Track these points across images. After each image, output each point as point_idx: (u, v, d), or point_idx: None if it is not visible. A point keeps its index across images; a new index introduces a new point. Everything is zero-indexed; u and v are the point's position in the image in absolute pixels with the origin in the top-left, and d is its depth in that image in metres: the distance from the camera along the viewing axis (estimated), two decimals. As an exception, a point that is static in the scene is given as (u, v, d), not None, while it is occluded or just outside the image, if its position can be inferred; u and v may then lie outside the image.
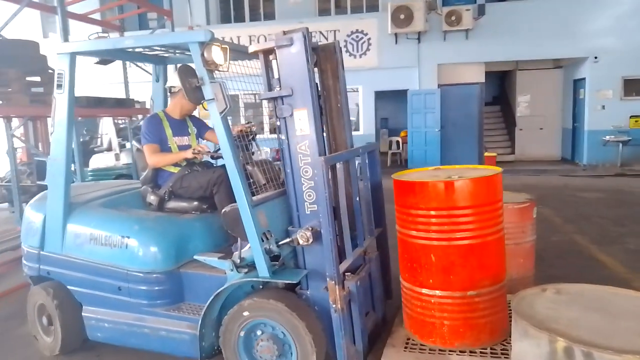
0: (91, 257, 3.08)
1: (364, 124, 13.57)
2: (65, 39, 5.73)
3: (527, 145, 14.07)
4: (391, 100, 15.74)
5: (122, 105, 7.02)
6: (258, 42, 12.91)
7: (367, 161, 3.36)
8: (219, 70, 2.65)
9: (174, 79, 3.26)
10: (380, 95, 13.63)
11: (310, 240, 2.55)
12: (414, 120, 12.72)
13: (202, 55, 2.55)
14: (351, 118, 14.69)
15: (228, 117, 2.69)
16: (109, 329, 3.09)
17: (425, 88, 12.63)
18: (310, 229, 2.58)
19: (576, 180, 10.44)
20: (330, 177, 2.58)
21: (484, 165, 12.02)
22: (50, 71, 5.60)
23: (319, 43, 3.00)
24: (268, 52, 2.70)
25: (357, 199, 2.99)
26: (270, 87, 2.75)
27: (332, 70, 2.98)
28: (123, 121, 9.66)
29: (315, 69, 2.89)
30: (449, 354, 2.52)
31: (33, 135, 9.06)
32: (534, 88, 13.93)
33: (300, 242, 2.57)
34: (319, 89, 2.96)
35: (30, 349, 3.39)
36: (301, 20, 13.03)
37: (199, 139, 3.57)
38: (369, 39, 12.82)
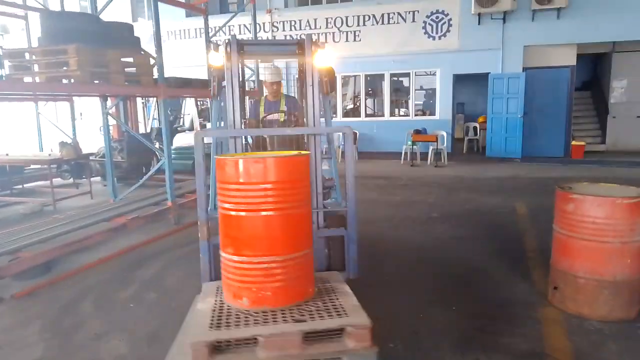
0: None
1: (440, 109, 13.09)
2: (156, 21, 5.93)
3: (621, 134, 12.95)
4: (468, 84, 15.08)
5: (206, 87, 7.22)
6: (335, 24, 12.82)
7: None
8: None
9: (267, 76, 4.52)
10: (457, 79, 13.07)
11: None
12: (494, 105, 12.12)
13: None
14: (421, 102, 14.29)
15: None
16: None
17: (508, 71, 11.93)
18: None
19: (680, 174, 9.44)
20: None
21: (574, 152, 11.17)
22: (142, 52, 5.87)
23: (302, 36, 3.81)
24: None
25: None
26: None
27: (306, 60, 3.66)
28: (203, 102, 10.01)
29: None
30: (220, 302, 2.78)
31: (123, 114, 9.62)
32: (633, 72, 12.71)
33: None
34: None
35: (127, 313, 3.61)
36: (380, 2, 12.75)
37: (291, 113, 4.42)
38: (449, 19, 12.28)
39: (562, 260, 3.48)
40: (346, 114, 14.43)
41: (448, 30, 12.33)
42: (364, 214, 6.42)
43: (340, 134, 5.36)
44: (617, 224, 3.20)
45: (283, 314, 2.57)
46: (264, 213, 2.62)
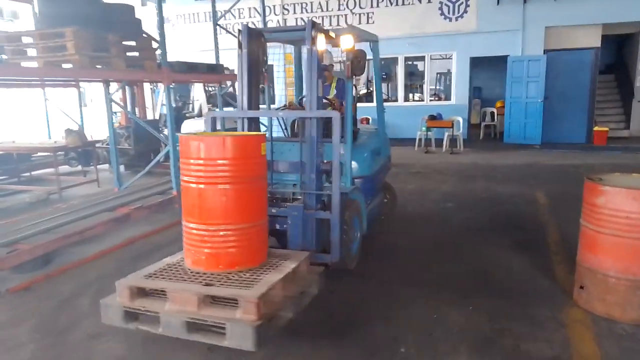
0: None
1: (457, 93, 12.68)
2: (158, 3, 5.69)
3: (647, 119, 12.41)
4: (485, 68, 14.59)
5: (212, 72, 6.99)
6: (348, 6, 12.43)
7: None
8: None
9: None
10: (474, 62, 12.61)
11: None
12: (513, 89, 11.68)
13: None
14: (437, 87, 14.12)
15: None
16: None
17: (528, 54, 11.46)
18: None
19: None
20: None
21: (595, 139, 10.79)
22: (144, 35, 5.64)
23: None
24: None
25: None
26: None
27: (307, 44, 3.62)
28: (213, 88, 9.78)
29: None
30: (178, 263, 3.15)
31: (131, 100, 9.45)
32: (661, 54, 12.12)
33: None
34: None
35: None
36: (394, -19, 12.30)
37: (340, 99, 4.68)
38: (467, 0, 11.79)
39: (590, 257, 3.20)
40: (359, 99, 14.07)
41: (465, 11, 11.86)
42: (376, 204, 6.17)
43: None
44: (644, 218, 2.91)
45: (208, 276, 2.88)
46: (198, 186, 2.92)
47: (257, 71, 3.92)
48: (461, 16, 11.91)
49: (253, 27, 3.84)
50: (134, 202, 5.68)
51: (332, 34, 4.00)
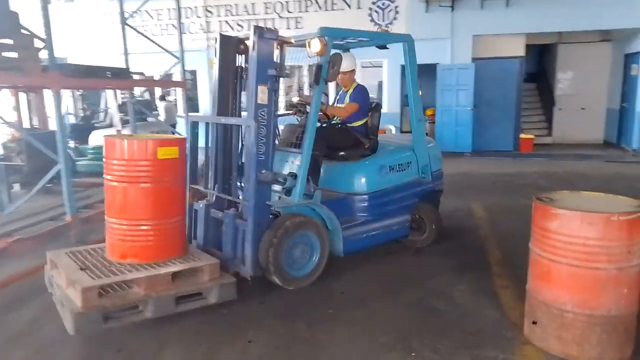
0: None
1: (389, 102, 12.45)
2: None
3: (567, 126, 12.84)
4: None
5: (117, 77, 6.10)
6: (275, 9, 11.87)
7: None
8: None
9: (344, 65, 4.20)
10: (404, 70, 12.46)
11: None
12: (444, 97, 11.64)
13: None
14: (373, 95, 13.73)
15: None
16: None
17: (458, 62, 11.47)
18: None
19: (629, 168, 9.29)
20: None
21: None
22: (24, 31, 4.71)
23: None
24: None
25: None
26: None
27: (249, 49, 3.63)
28: (124, 95, 8.80)
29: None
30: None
31: (28, 109, 8.27)
32: (578, 63, 12.63)
33: None
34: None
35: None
36: (322, -15, 11.91)
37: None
38: (396, 6, 11.63)
39: (543, 289, 2.81)
40: (293, 105, 13.51)
41: (395, 18, 11.69)
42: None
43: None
44: (611, 245, 2.55)
45: (102, 264, 3.22)
46: (114, 183, 3.26)
47: (235, 78, 3.88)
48: (391, 23, 11.72)
49: (228, 35, 3.94)
50: (15, 231, 4.72)
51: (292, 40, 3.82)
